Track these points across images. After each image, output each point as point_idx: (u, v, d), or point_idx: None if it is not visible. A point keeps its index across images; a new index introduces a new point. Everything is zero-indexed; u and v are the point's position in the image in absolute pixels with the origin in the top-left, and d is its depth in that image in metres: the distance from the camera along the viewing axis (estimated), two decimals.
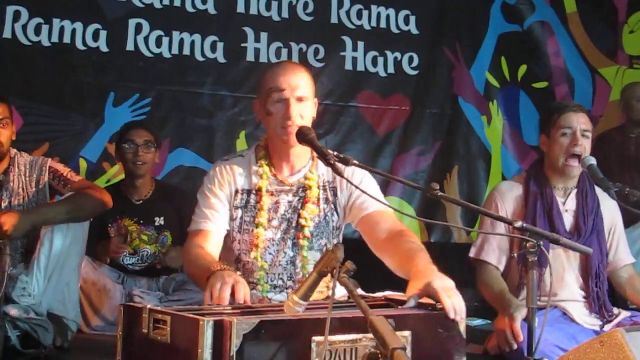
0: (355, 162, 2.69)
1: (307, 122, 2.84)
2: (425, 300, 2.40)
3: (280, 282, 2.92)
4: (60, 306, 3.36)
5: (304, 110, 2.83)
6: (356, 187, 2.75)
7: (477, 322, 4.45)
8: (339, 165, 2.65)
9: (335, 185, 2.98)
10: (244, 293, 2.40)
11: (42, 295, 3.30)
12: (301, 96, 2.82)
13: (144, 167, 4.41)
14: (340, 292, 2.83)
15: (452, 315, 2.33)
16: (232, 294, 2.39)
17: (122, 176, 4.59)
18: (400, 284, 2.67)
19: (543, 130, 3.62)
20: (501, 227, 3.48)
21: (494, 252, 3.55)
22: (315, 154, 2.88)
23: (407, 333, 2.23)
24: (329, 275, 2.10)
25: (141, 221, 4.38)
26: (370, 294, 2.72)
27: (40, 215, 3.29)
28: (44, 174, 3.55)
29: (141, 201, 4.46)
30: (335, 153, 2.72)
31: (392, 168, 5.73)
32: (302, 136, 2.75)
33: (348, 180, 2.76)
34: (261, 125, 5.29)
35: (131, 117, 5.15)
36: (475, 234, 5.63)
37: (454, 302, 2.33)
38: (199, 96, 5.38)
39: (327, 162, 2.63)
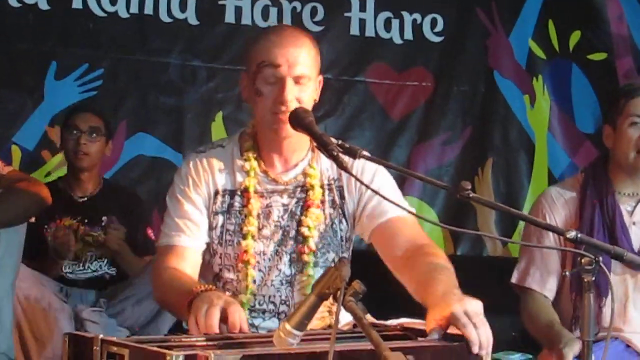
0: (365, 153, 2.68)
1: (307, 107, 2.81)
2: (452, 329, 2.39)
3: (271, 307, 2.91)
4: None
5: (303, 93, 2.79)
6: (367, 186, 2.72)
7: (516, 357, 4.44)
8: (345, 158, 2.63)
9: (342, 184, 2.95)
10: (239, 318, 2.39)
11: None
12: (301, 75, 2.78)
13: (86, 159, 4.49)
14: (345, 319, 2.83)
15: (475, 350, 2.31)
16: (223, 320, 2.38)
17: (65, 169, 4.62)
18: (421, 309, 2.67)
19: (607, 120, 3.62)
20: (550, 244, 3.50)
21: (542, 277, 3.56)
22: (315, 144, 2.86)
23: None
24: (331, 298, 2.09)
25: (85, 220, 4.44)
26: (382, 322, 2.71)
27: None
28: None
29: (86, 198, 4.54)
30: (340, 142, 2.70)
31: (409, 161, 5.74)
32: (298, 120, 2.72)
33: (356, 178, 2.72)
34: (244, 105, 5.36)
35: (78, 94, 5.15)
36: (515, 247, 5.62)
37: (479, 333, 2.31)
38: (164, 67, 5.36)
39: (329, 154, 2.60)
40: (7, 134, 5.05)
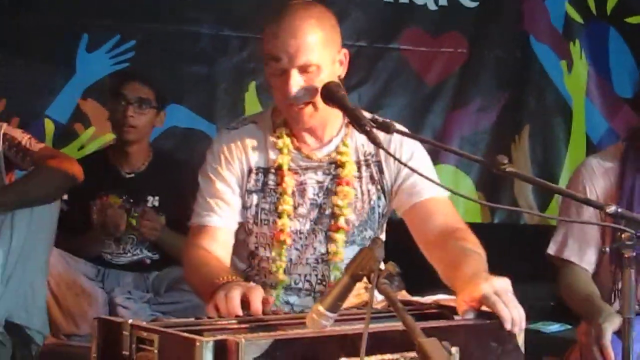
0: (399, 127, 2.64)
1: None
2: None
3: (307, 285, 2.89)
4: (22, 313, 3.36)
5: (312, 82, 2.69)
6: (403, 164, 2.66)
7: (554, 327, 4.40)
8: (377, 133, 2.58)
9: (379, 158, 2.90)
10: (260, 300, 2.35)
11: None
12: (306, 63, 2.68)
13: (133, 132, 4.39)
14: (380, 296, 2.80)
15: (508, 326, 2.29)
16: (245, 306, 2.34)
17: (104, 140, 4.58)
18: None
19: None
20: (590, 216, 3.42)
21: (580, 249, 3.48)
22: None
23: (454, 350, 2.17)
24: (365, 279, 2.06)
25: (131, 200, 4.35)
26: (418, 299, 2.67)
27: None
28: None
29: (133, 174, 4.44)
30: (374, 116, 2.64)
31: (444, 128, 5.68)
32: (329, 95, 2.68)
33: (389, 153, 2.67)
34: None
35: (110, 66, 5.12)
36: (550, 212, 5.58)
37: (511, 310, 2.29)
38: (196, 37, 5.33)
39: (362, 129, 2.57)
40: (40, 107, 5.04)
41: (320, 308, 2.10)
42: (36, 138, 3.62)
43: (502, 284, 2.34)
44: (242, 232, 2.90)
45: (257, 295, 2.36)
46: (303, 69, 2.67)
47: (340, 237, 2.85)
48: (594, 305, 3.31)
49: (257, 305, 2.34)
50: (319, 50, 2.69)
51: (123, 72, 4.70)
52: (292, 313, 2.72)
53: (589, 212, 3.45)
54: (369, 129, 2.55)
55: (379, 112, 4.83)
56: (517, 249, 5.24)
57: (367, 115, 2.65)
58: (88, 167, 3.78)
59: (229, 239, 2.86)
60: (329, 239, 2.86)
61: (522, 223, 5.81)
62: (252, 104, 5.33)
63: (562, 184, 5.63)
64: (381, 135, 2.62)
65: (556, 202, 5.63)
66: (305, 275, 2.89)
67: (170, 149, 5.11)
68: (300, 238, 2.86)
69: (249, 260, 2.93)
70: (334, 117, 2.83)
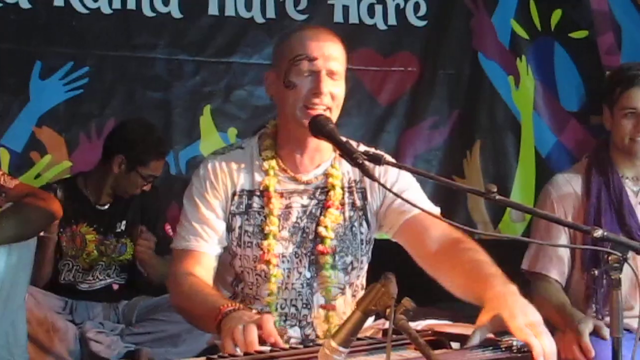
0: (389, 159, 2.69)
1: (338, 106, 2.80)
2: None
3: (292, 310, 2.89)
4: (4, 352, 3.32)
5: (336, 88, 2.78)
6: (393, 192, 2.69)
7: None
8: (370, 165, 2.63)
9: (364, 185, 2.93)
10: (273, 327, 2.36)
11: None
12: (335, 70, 2.78)
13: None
14: (368, 323, 2.83)
15: (540, 359, 2.26)
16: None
17: (61, 168, 4.54)
18: (446, 303, 2.69)
19: (605, 102, 3.66)
20: (558, 232, 3.53)
21: (552, 262, 3.61)
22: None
23: None
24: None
25: (101, 229, 4.37)
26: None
27: None
28: None
29: (107, 206, 4.45)
30: (364, 149, 2.70)
31: (398, 146, 5.75)
32: (318, 128, 2.71)
33: (383, 185, 2.71)
34: (232, 97, 5.36)
35: (64, 92, 5.13)
36: (505, 230, 5.66)
37: (543, 344, 2.28)
38: (150, 62, 5.35)
39: (355, 162, 2.60)
40: None
41: (333, 343, 2.12)
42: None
43: (533, 317, 2.34)
44: (228, 256, 2.90)
45: (269, 320, 2.37)
46: (331, 74, 2.77)
47: (328, 260, 2.86)
48: (567, 312, 3.45)
49: (269, 328, 2.34)
50: (343, 62, 2.83)
51: (149, 146, 4.57)
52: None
53: (557, 228, 3.55)
54: (361, 161, 2.59)
55: None
56: None
57: (354, 144, 2.71)
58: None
59: (213, 264, 2.86)
60: (313, 263, 2.88)
61: (476, 238, 5.86)
62: (207, 127, 5.36)
63: (513, 197, 5.74)
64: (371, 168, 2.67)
65: (508, 216, 5.73)
66: (292, 300, 2.89)
67: None
68: (283, 262, 2.87)
69: (233, 287, 2.93)
70: (327, 144, 2.84)
